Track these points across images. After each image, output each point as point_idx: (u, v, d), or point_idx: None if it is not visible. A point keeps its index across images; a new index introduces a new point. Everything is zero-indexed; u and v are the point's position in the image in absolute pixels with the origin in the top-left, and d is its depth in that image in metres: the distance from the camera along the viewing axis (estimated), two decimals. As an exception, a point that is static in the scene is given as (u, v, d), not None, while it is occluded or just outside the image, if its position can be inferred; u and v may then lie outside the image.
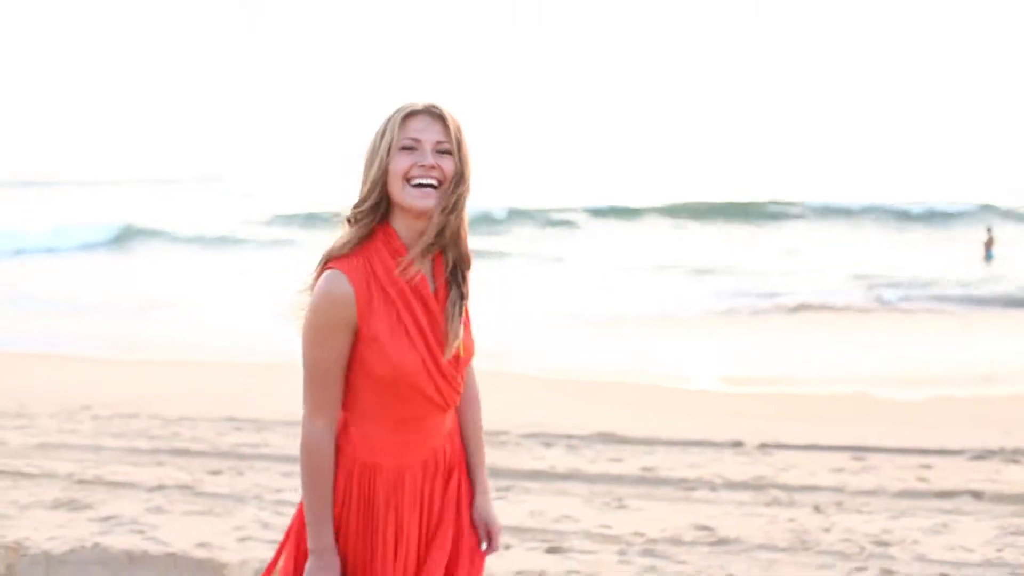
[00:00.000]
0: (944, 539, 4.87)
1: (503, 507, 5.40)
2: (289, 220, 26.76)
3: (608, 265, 19.28)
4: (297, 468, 6.31)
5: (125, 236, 24.53)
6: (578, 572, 4.41)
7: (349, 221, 2.26)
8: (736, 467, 6.27)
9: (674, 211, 26.89)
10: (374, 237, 2.25)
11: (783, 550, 4.73)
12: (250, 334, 12.06)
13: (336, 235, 2.26)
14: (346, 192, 2.33)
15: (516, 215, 26.55)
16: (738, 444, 6.85)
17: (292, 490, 5.75)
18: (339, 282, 2.20)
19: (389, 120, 2.23)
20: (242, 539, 4.87)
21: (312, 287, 2.25)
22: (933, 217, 25.45)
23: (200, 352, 11.03)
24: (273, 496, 5.64)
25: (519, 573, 4.43)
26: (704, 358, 10.94)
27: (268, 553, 4.62)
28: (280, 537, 4.88)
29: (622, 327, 13.08)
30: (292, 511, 5.35)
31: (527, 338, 11.92)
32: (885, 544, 4.80)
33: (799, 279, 17.22)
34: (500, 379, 9.79)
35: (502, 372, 9.44)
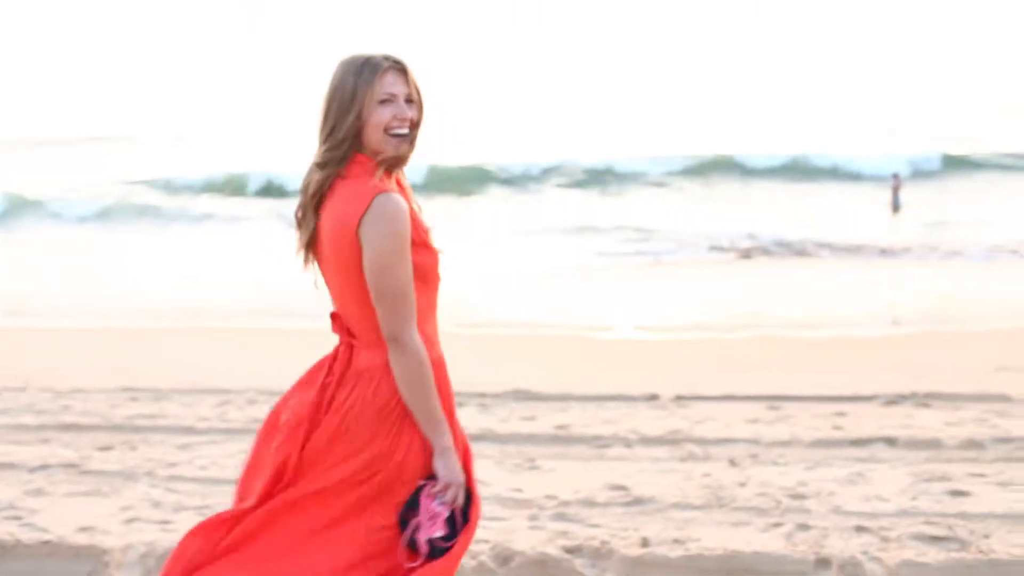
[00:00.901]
0: (859, 489, 4.79)
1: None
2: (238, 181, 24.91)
3: (516, 227, 18.93)
4: (194, 439, 6.01)
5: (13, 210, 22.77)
6: (487, 541, 4.21)
7: (319, 165, 2.48)
8: (651, 421, 6.14)
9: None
10: (348, 173, 2.48)
11: (698, 508, 4.60)
12: (150, 299, 11.58)
13: (314, 175, 2.49)
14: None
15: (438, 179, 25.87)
16: (653, 397, 6.72)
17: (187, 463, 5.45)
18: (399, 201, 2.42)
19: (361, 76, 2.46)
20: (128, 520, 4.56)
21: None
22: (838, 170, 25.56)
23: (95, 318, 10.53)
24: (166, 471, 5.32)
25: (425, 545, 4.22)
26: (616, 309, 10.82)
27: (155, 535, 4.32)
28: (170, 516, 4.59)
29: (533, 281, 12.90)
30: (186, 486, 5.06)
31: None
32: (801, 497, 4.70)
33: (705, 231, 17.19)
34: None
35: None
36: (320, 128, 2.49)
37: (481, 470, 5.23)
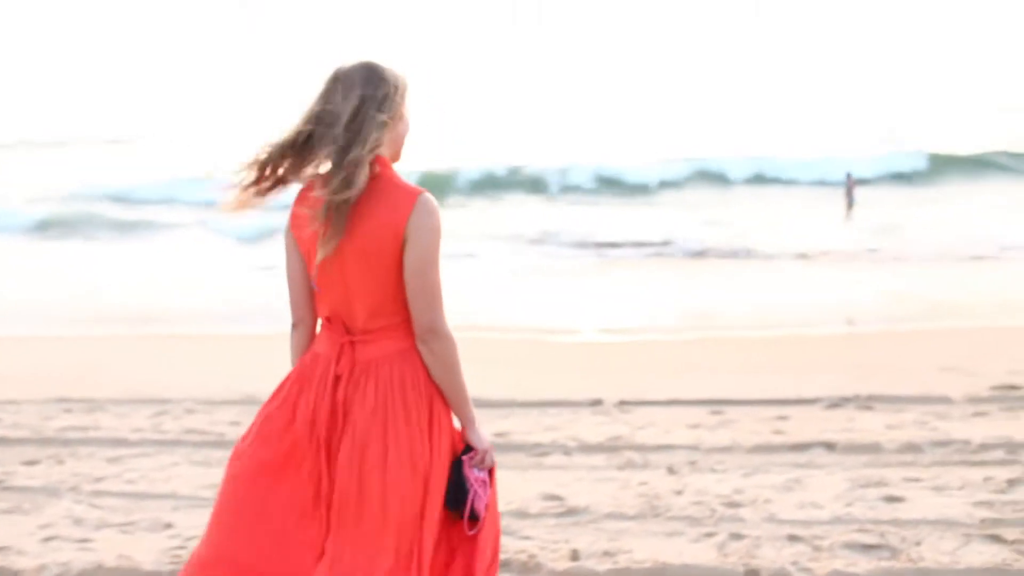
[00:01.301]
0: (795, 496, 4.75)
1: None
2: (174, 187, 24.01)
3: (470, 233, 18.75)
4: (125, 451, 5.82)
5: None
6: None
7: (354, 166, 2.39)
8: (593, 428, 6.07)
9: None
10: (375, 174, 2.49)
11: (632, 518, 4.53)
12: (88, 307, 11.36)
13: (362, 177, 2.39)
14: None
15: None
16: (597, 403, 6.66)
17: (115, 477, 5.30)
18: (435, 200, 2.52)
19: (398, 86, 2.50)
20: (47, 539, 4.41)
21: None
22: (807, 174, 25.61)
23: (29, 327, 10.31)
24: (92, 486, 5.17)
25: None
26: (569, 312, 10.76)
27: (72, 555, 4.19)
28: (90, 534, 4.45)
29: (485, 284, 12.83)
30: (111, 502, 4.92)
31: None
32: (736, 505, 4.66)
33: (661, 234, 17.18)
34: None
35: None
36: (342, 131, 2.41)
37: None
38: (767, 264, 14.12)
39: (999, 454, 5.29)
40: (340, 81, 2.46)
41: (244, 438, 2.57)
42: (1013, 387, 6.74)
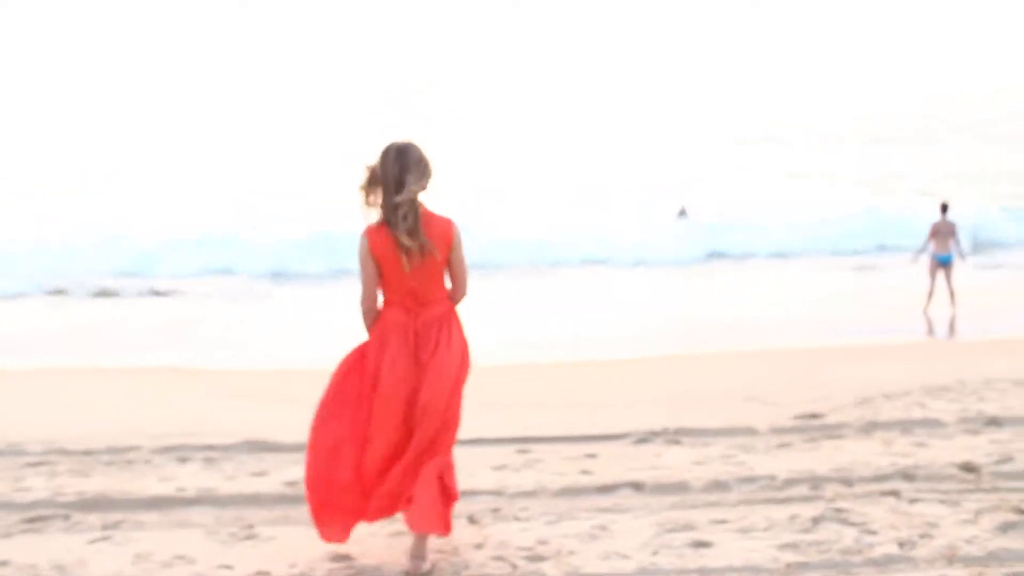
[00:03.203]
0: (600, 545, 4.49)
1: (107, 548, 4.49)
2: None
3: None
4: None
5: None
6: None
7: (412, 199, 4.09)
8: (392, 472, 5.64)
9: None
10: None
11: (426, 579, 4.14)
12: None
13: (414, 213, 4.09)
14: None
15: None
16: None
17: None
18: None
19: (429, 159, 4.16)
20: None
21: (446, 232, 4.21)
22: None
23: None
24: None
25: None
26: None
27: None
28: None
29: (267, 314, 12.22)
30: None
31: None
32: (539, 559, 4.35)
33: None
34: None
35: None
36: (409, 178, 4.05)
37: (185, 544, 4.59)
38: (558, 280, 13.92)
39: (803, 490, 5.21)
40: (392, 151, 4.09)
41: (355, 363, 4.30)
42: (814, 415, 6.78)
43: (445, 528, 4.17)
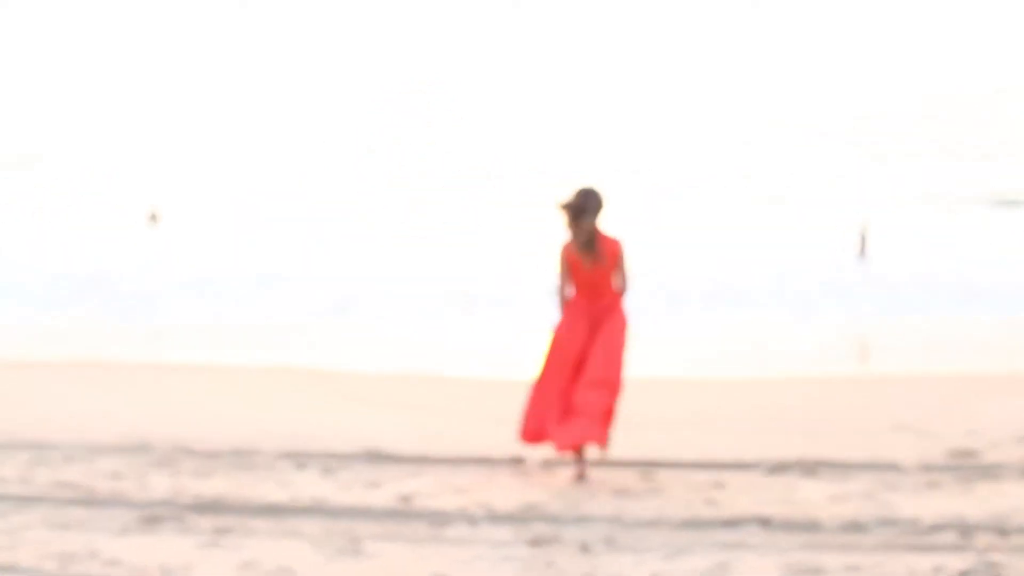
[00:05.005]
0: (720, 584, 4.16)
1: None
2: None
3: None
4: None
5: None
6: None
7: (593, 223, 5.84)
8: (509, 492, 5.48)
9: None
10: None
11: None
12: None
13: (594, 234, 5.82)
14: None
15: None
16: (519, 460, 6.06)
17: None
18: None
19: (603, 198, 5.91)
20: None
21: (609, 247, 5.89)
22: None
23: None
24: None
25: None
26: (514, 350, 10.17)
27: None
28: None
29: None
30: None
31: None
32: (652, 597, 4.06)
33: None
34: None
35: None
36: (587, 215, 5.76)
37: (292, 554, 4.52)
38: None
39: (951, 537, 4.74)
40: (580, 194, 5.79)
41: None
42: (969, 453, 6.23)
43: (603, 440, 5.72)
